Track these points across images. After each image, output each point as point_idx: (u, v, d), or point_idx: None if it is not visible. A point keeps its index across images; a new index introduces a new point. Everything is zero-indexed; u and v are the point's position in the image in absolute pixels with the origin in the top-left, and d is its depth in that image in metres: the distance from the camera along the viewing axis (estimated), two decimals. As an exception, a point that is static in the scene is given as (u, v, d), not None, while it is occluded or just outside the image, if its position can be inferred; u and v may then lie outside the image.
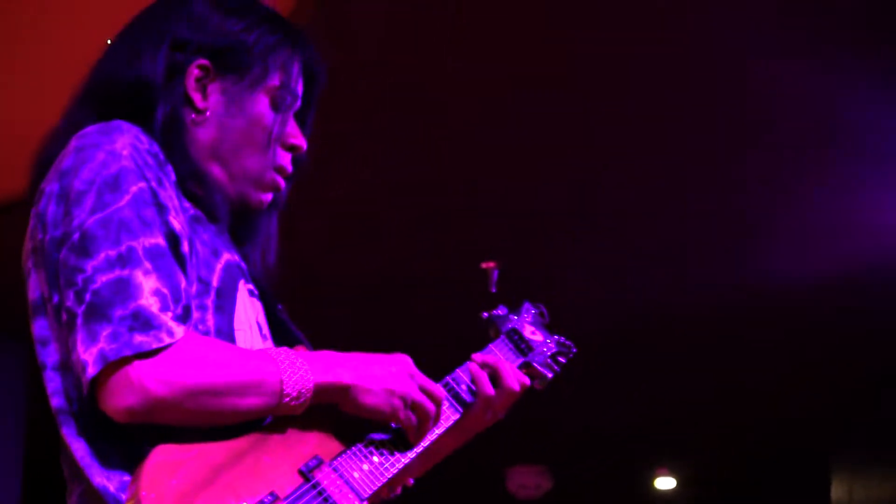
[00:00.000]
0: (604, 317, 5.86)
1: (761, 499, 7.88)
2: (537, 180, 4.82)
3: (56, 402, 1.67)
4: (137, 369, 1.58)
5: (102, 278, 1.60)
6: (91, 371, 1.57)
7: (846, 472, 6.79)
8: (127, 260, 1.62)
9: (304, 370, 1.69)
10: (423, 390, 1.83)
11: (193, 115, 1.82)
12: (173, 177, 1.75)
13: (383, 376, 1.78)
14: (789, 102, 4.30)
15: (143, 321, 1.59)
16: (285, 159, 1.89)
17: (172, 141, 1.78)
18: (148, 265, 1.62)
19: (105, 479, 1.61)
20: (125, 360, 1.58)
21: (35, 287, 1.71)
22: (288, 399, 1.67)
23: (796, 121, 4.39)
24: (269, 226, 1.97)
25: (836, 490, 6.83)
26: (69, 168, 1.68)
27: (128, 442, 1.63)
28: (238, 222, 1.91)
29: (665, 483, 8.01)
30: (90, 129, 1.72)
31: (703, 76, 4.19)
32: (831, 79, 4.13)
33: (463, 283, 5.44)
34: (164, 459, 1.58)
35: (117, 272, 1.61)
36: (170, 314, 1.62)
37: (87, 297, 1.60)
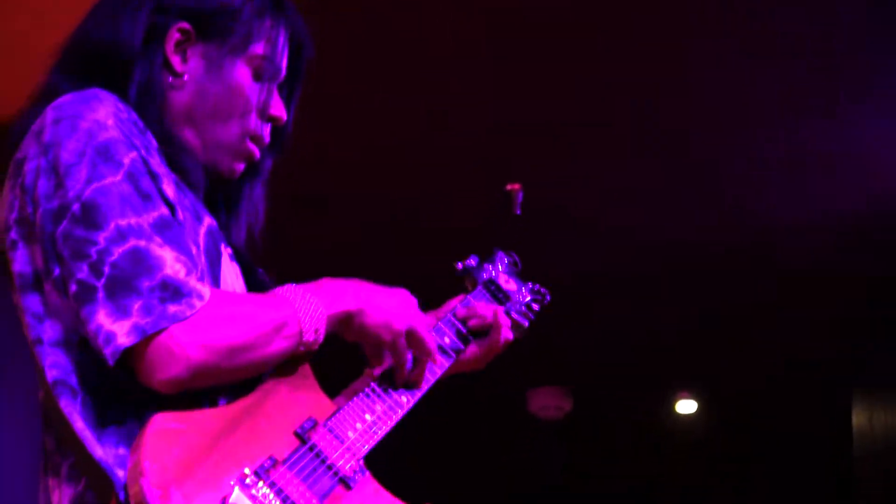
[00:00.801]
0: (627, 242, 5.89)
1: (782, 425, 7.89)
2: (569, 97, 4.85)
3: (53, 374, 1.65)
4: (177, 338, 1.58)
5: (118, 250, 1.59)
6: (122, 341, 1.57)
7: (867, 399, 6.83)
8: (139, 233, 1.60)
9: (315, 304, 1.72)
10: (424, 324, 1.86)
11: (171, 79, 1.82)
12: (155, 143, 1.75)
13: (387, 304, 1.81)
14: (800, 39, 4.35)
15: (172, 290, 1.59)
16: (263, 129, 1.88)
17: (148, 104, 1.77)
18: (159, 239, 1.62)
19: (103, 453, 1.60)
20: (159, 333, 1.58)
21: (24, 261, 1.69)
22: (306, 336, 1.70)
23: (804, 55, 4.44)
24: (251, 195, 1.97)
25: (857, 417, 6.87)
26: (52, 141, 1.66)
27: (125, 414, 1.63)
28: (215, 189, 1.91)
29: (686, 406, 8.04)
30: (66, 98, 1.70)
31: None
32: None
33: (486, 207, 5.47)
34: (162, 428, 1.58)
35: (132, 242, 1.60)
36: (195, 276, 1.63)
37: (106, 269, 1.58)
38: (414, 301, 1.87)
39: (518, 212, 5.36)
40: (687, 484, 8.72)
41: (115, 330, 1.57)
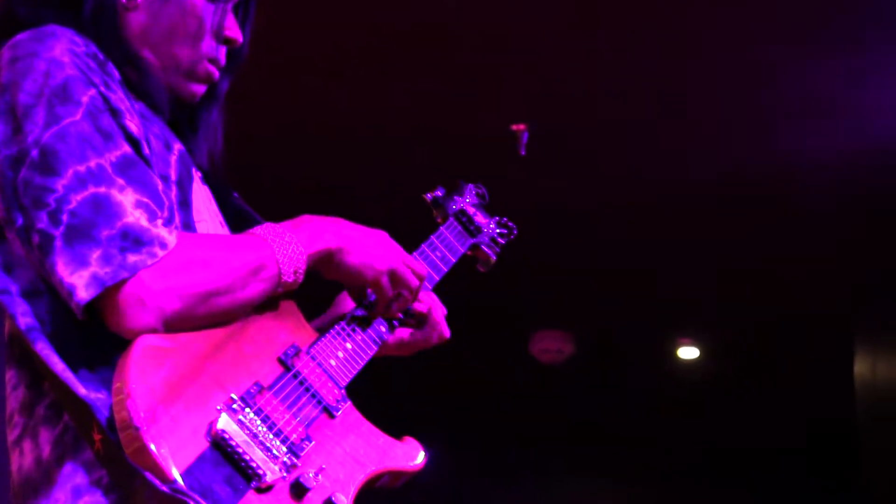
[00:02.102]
0: (628, 187, 5.90)
1: (784, 372, 7.91)
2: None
3: (26, 322, 1.63)
4: (147, 286, 1.57)
5: (77, 197, 1.57)
6: (83, 295, 1.55)
7: (870, 347, 6.84)
8: (99, 177, 1.59)
9: (294, 244, 1.71)
10: (406, 264, 1.86)
11: (124, 1, 1.80)
12: (117, 75, 1.74)
13: (367, 243, 1.81)
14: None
15: (133, 239, 1.57)
16: (219, 51, 1.88)
17: (103, 28, 1.76)
18: (121, 181, 1.60)
19: (87, 391, 1.59)
20: (125, 282, 1.56)
21: None
22: (286, 277, 1.70)
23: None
24: (209, 118, 1.95)
25: (860, 366, 6.88)
26: (8, 82, 1.65)
27: (102, 361, 1.61)
28: (177, 114, 1.89)
29: (688, 353, 8.07)
30: (21, 37, 1.69)
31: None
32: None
33: (489, 143, 5.50)
34: (148, 349, 1.58)
35: (91, 189, 1.58)
36: (159, 222, 1.60)
37: (64, 217, 1.57)
38: (393, 242, 1.88)
39: (523, 152, 5.39)
40: (686, 429, 8.79)
41: (75, 283, 1.56)
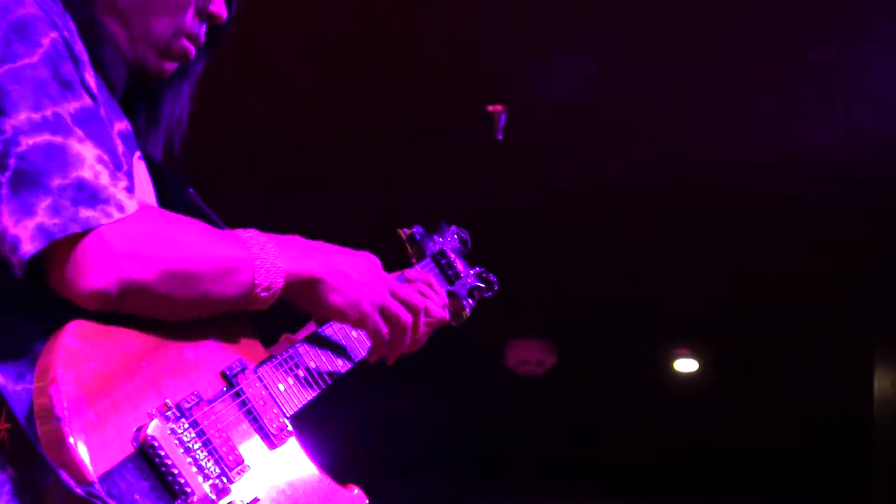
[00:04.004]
0: (619, 187, 5.94)
1: (797, 389, 7.94)
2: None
3: None
4: (105, 244, 1.55)
5: (28, 141, 1.55)
6: (28, 248, 1.53)
7: (892, 361, 6.79)
8: (56, 126, 1.57)
9: (274, 257, 1.71)
10: (396, 297, 1.87)
11: None
12: (74, 29, 1.71)
13: (354, 276, 1.82)
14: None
15: (89, 193, 1.56)
16: (199, 28, 1.88)
17: None
18: (80, 132, 1.59)
19: (4, 380, 1.55)
20: (82, 236, 1.54)
21: None
22: (259, 290, 1.69)
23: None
24: (176, 100, 1.96)
25: (880, 381, 6.84)
26: None
27: (28, 341, 1.57)
28: (134, 90, 1.89)
29: (686, 365, 8.09)
30: None
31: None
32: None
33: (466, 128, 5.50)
34: (81, 335, 1.56)
35: (47, 137, 1.56)
36: (122, 184, 1.59)
37: (12, 161, 1.55)
38: (378, 266, 1.89)
39: (500, 136, 5.34)
40: (683, 456, 8.78)
41: (20, 234, 1.53)
